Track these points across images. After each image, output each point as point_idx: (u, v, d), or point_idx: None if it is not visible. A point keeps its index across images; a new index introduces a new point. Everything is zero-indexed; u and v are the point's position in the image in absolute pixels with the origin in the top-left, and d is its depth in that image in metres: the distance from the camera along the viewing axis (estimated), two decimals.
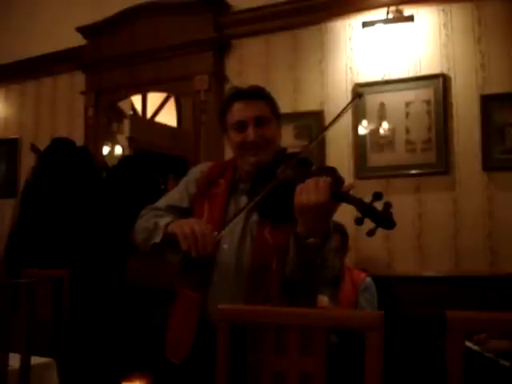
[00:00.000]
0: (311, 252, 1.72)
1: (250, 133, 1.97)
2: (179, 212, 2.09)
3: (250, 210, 1.97)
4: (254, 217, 1.96)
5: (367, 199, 1.61)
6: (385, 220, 1.58)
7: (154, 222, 1.99)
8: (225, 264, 1.92)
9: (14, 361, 2.25)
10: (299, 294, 1.90)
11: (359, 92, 1.99)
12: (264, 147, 1.98)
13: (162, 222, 1.95)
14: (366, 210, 1.59)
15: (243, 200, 2.01)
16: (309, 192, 1.63)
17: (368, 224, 1.58)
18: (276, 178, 1.83)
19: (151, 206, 2.18)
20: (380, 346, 1.27)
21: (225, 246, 1.95)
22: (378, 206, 1.59)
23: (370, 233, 1.58)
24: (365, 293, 3.36)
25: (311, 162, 1.95)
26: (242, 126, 2.00)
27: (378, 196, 1.58)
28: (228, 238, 1.96)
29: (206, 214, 2.02)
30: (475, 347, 2.73)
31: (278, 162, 1.94)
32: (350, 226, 3.64)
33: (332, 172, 1.80)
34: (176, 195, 2.17)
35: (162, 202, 2.17)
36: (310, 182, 1.65)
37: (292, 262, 1.79)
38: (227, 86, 4.38)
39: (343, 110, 2.04)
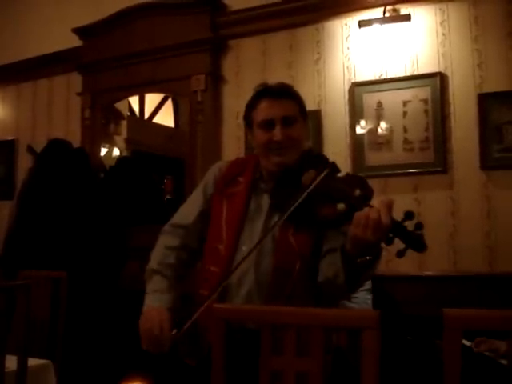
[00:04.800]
0: (360, 268, 1.69)
1: (277, 132, 1.94)
2: (197, 220, 2.09)
3: (270, 211, 1.96)
4: (275, 218, 1.93)
5: (398, 218, 1.58)
6: (416, 242, 1.55)
7: (146, 291, 2.07)
8: (244, 265, 1.87)
9: (11, 363, 2.24)
10: (328, 298, 1.90)
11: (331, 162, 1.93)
12: (290, 148, 1.95)
13: (146, 300, 2.04)
14: (396, 230, 1.56)
15: (264, 199, 1.99)
16: (368, 230, 1.56)
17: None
18: (305, 187, 1.79)
19: (171, 222, 2.17)
20: (376, 345, 1.26)
21: (244, 248, 1.92)
22: (409, 225, 1.56)
23: (400, 254, 1.55)
24: (359, 288, 3.33)
25: (338, 167, 1.92)
26: (268, 124, 1.96)
27: (409, 215, 1.55)
28: (248, 238, 1.94)
29: (225, 213, 2.01)
30: (472, 345, 2.72)
31: (303, 164, 1.92)
32: None
33: (362, 184, 1.76)
34: (194, 199, 2.16)
35: (179, 215, 2.17)
36: (371, 220, 1.56)
37: (335, 274, 1.76)
38: (224, 87, 4.39)
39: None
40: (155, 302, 1.96)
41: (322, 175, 1.80)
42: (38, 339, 3.20)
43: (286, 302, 1.81)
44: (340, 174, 1.90)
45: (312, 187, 1.78)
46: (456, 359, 1.20)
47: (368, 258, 1.65)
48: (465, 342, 2.66)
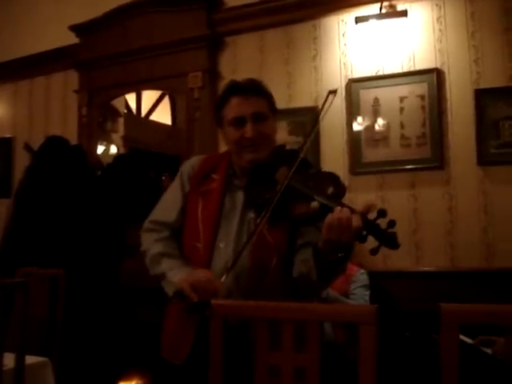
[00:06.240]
0: (332, 265, 1.71)
1: (248, 129, 1.93)
2: (178, 217, 2.08)
3: (245, 207, 1.96)
4: (251, 214, 1.94)
5: (371, 216, 1.59)
6: (388, 239, 1.57)
7: (162, 271, 1.95)
8: (222, 262, 1.88)
9: (9, 360, 2.24)
10: (304, 292, 1.90)
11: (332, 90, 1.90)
12: (262, 144, 1.95)
13: (171, 274, 1.90)
14: (369, 228, 1.58)
15: (239, 196, 1.99)
16: (340, 232, 1.58)
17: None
18: (280, 185, 1.79)
19: (153, 218, 2.15)
20: (374, 340, 1.27)
21: (221, 245, 1.93)
22: (382, 223, 1.58)
23: (374, 252, 1.57)
24: (356, 283, 3.35)
25: (309, 163, 1.93)
26: (239, 121, 1.96)
27: (382, 213, 1.57)
28: (224, 236, 1.94)
29: (201, 211, 2.00)
30: (469, 340, 2.72)
31: (275, 160, 1.92)
32: None
33: (335, 181, 1.77)
34: (171, 197, 2.14)
35: (159, 212, 2.15)
36: (343, 223, 1.58)
37: (308, 270, 1.77)
38: (221, 83, 4.38)
39: (322, 107, 1.91)
40: (182, 272, 1.88)
41: (292, 171, 1.79)
42: (35, 337, 3.19)
43: (264, 297, 1.80)
44: (312, 170, 1.91)
45: (285, 184, 1.78)
46: (453, 354, 1.21)
47: (340, 255, 1.67)
48: (465, 338, 2.66)
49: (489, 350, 2.64)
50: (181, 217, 2.08)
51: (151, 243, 2.07)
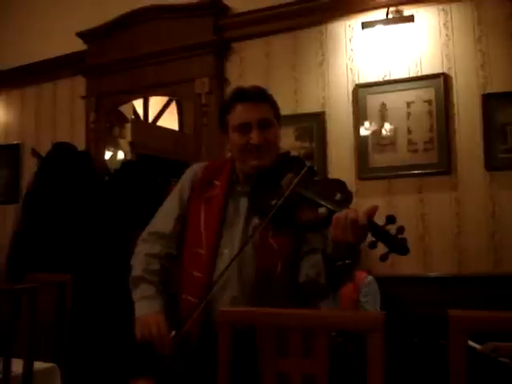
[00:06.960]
0: (339, 271, 1.72)
1: (255, 135, 1.93)
2: (175, 227, 2.08)
3: (250, 214, 1.95)
4: (255, 220, 1.93)
5: (380, 222, 1.58)
6: (398, 245, 1.56)
7: (134, 300, 2.01)
8: (226, 271, 1.85)
9: (17, 366, 2.25)
10: (310, 297, 1.91)
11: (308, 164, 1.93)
12: (267, 150, 1.95)
13: (137, 306, 1.97)
14: (379, 234, 1.57)
15: (242, 202, 1.99)
16: (347, 230, 1.58)
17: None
18: (284, 190, 1.80)
19: (149, 229, 2.15)
20: (381, 347, 1.26)
21: (225, 251, 1.92)
22: (392, 229, 1.57)
23: (383, 258, 1.56)
24: (366, 291, 3.35)
25: (315, 170, 1.93)
26: (245, 128, 1.96)
27: (391, 220, 1.56)
28: (228, 242, 1.94)
29: (203, 218, 2.00)
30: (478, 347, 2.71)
31: (281, 167, 1.92)
32: None
33: (342, 188, 1.77)
34: (170, 205, 2.14)
35: (156, 222, 2.15)
36: (349, 220, 1.57)
37: (316, 274, 1.78)
38: (228, 89, 4.38)
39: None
40: (146, 308, 1.95)
41: (299, 177, 1.80)
42: (43, 342, 3.20)
43: (269, 303, 1.79)
44: (318, 177, 1.91)
45: (290, 189, 1.78)
46: (462, 360, 1.20)
47: (347, 261, 1.68)
48: (474, 344, 2.65)
49: (501, 358, 2.62)
50: (178, 226, 2.08)
51: (138, 262, 2.07)
